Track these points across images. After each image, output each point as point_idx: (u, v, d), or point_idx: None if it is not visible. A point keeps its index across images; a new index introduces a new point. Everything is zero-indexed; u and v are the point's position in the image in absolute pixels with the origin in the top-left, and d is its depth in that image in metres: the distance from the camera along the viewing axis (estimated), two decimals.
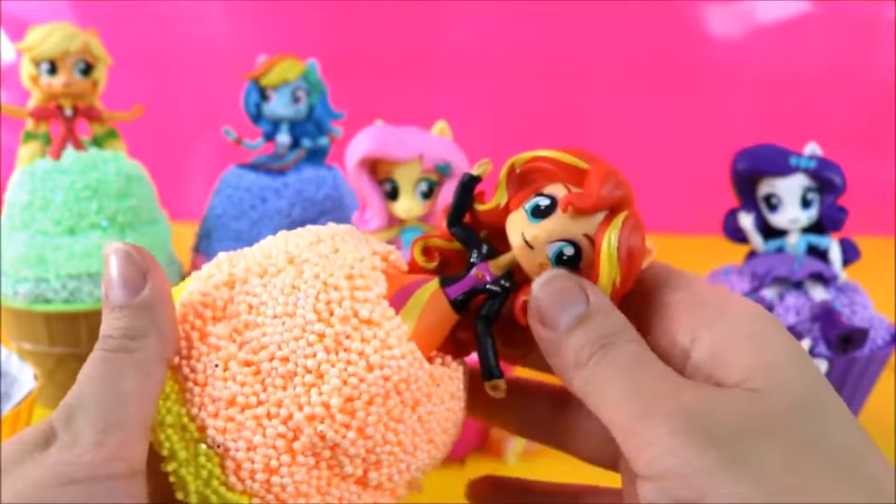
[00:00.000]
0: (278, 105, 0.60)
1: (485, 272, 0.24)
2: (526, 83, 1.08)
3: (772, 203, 0.50)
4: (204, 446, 0.23)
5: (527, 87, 1.08)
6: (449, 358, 0.26)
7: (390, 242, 0.47)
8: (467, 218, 0.26)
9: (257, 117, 0.61)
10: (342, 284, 0.23)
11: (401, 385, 0.23)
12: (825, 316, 0.47)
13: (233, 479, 0.23)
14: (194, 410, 0.23)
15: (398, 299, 0.24)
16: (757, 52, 1.06)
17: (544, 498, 0.29)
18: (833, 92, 1.05)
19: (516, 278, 0.24)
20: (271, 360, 0.23)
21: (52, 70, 0.57)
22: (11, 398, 0.42)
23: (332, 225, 0.26)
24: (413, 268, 0.26)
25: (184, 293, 0.25)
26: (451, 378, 0.25)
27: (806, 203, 0.49)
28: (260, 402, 0.23)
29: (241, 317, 0.23)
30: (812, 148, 0.49)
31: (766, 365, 0.20)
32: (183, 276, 0.59)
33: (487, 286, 0.24)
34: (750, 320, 0.21)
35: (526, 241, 0.23)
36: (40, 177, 0.52)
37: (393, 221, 0.46)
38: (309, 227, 0.26)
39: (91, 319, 0.51)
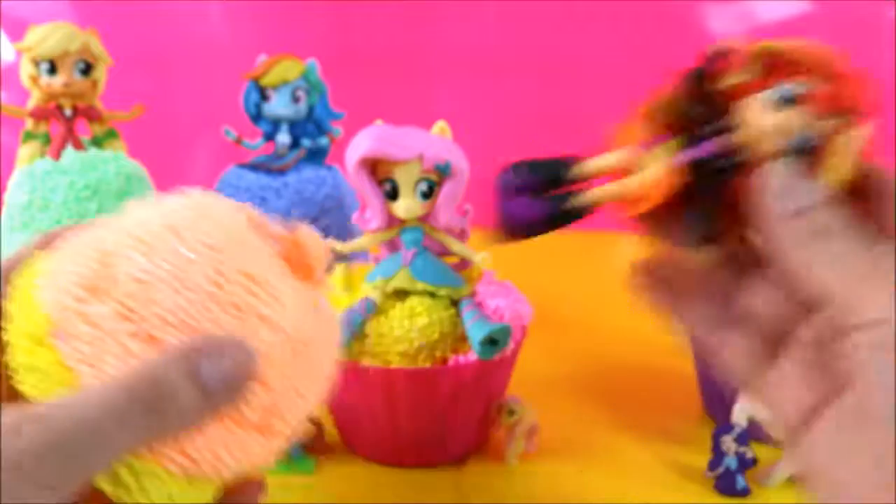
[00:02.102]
0: (278, 105, 0.60)
1: (720, 145, 0.25)
2: (526, 83, 1.08)
3: None
4: None
5: (527, 88, 1.08)
6: (324, 304, 0.27)
7: (390, 243, 0.47)
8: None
9: (257, 117, 0.61)
10: (225, 247, 0.24)
11: (294, 334, 0.24)
12: None
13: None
14: (87, 382, 0.22)
15: (644, 147, 0.25)
16: None
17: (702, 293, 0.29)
18: None
19: (744, 157, 0.25)
20: (168, 328, 0.23)
21: (52, 70, 0.57)
22: None
23: (191, 191, 0.26)
24: (632, 129, 0.27)
25: (43, 273, 0.24)
26: (330, 322, 0.27)
27: None
28: None
29: (128, 290, 0.23)
30: None
31: None
32: None
33: (720, 160, 0.25)
34: None
35: (775, 127, 0.24)
36: (40, 177, 0.52)
37: (393, 221, 0.46)
38: (171, 197, 0.26)
39: None
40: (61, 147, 0.57)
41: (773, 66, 0.25)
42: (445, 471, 0.47)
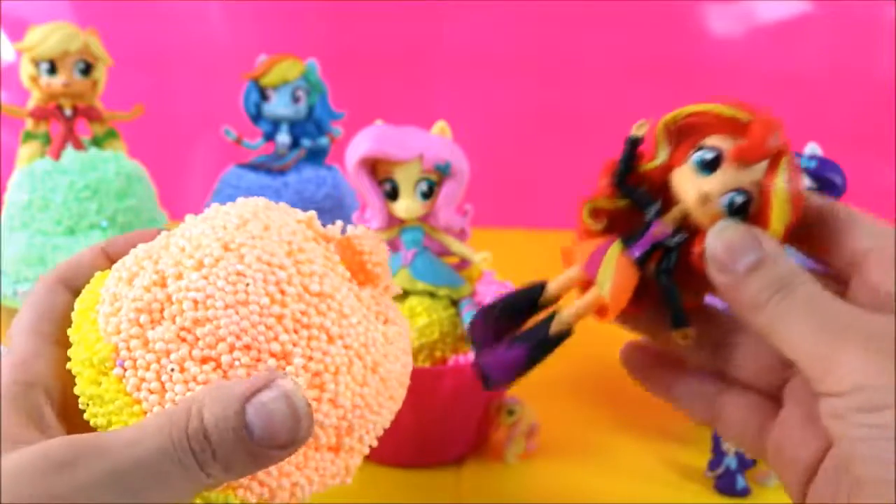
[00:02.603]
0: (278, 105, 0.60)
1: (661, 228, 0.26)
2: (526, 83, 1.08)
3: None
4: None
5: (527, 87, 1.08)
6: (393, 314, 0.26)
7: (390, 242, 0.47)
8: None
9: (257, 117, 0.61)
10: (286, 262, 0.23)
11: (361, 350, 0.24)
12: None
13: None
14: None
15: (591, 265, 0.26)
16: (757, 52, 1.06)
17: (694, 378, 0.29)
18: (833, 92, 1.05)
19: (687, 228, 0.26)
20: (231, 351, 0.22)
21: (52, 70, 0.57)
22: None
23: (243, 200, 0.26)
24: (583, 231, 0.28)
25: (103, 298, 0.24)
26: (400, 335, 0.26)
27: None
28: None
29: (187, 314, 0.22)
30: (812, 148, 0.49)
31: None
32: None
33: (665, 241, 0.26)
34: None
35: (701, 195, 0.24)
36: (40, 177, 0.52)
37: (393, 221, 0.46)
38: (222, 206, 0.26)
39: (19, 313, 0.51)
40: (61, 147, 0.57)
41: (684, 136, 0.27)
42: (445, 471, 0.47)
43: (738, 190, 0.24)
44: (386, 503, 0.44)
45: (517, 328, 0.28)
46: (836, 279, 0.25)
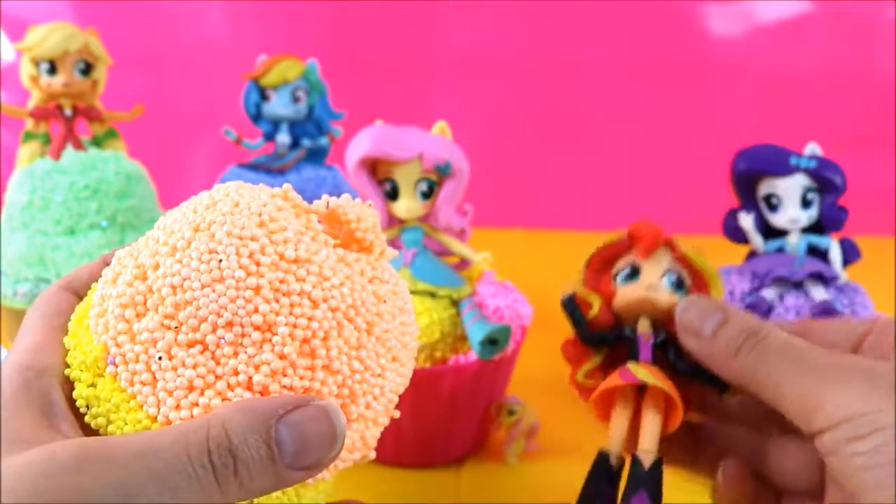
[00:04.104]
0: (278, 105, 0.60)
1: (645, 335, 0.30)
2: (526, 83, 1.08)
3: (772, 203, 0.50)
4: None
5: (527, 88, 1.08)
6: (388, 275, 0.26)
7: (391, 242, 0.47)
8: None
9: (257, 117, 0.61)
10: (257, 233, 0.23)
11: (350, 311, 0.23)
12: (825, 316, 0.47)
13: None
14: (152, 411, 0.22)
15: (627, 376, 0.29)
16: (757, 52, 1.06)
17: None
18: (833, 92, 1.05)
19: (661, 327, 0.30)
20: (214, 330, 0.22)
21: (52, 70, 0.57)
22: None
23: (219, 185, 0.26)
24: (587, 391, 0.32)
25: (93, 302, 0.24)
26: (394, 293, 0.25)
27: (806, 203, 0.49)
28: (218, 377, 0.22)
29: (167, 300, 0.22)
30: (812, 148, 0.49)
31: None
32: None
33: (656, 341, 0.30)
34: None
35: (648, 286, 0.30)
36: (40, 177, 0.52)
37: (393, 221, 0.46)
38: (197, 196, 0.26)
39: (27, 314, 0.51)
40: (61, 147, 0.57)
41: (599, 277, 0.32)
42: (445, 471, 0.47)
43: (669, 270, 0.30)
44: (386, 503, 0.44)
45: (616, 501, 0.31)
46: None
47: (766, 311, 0.48)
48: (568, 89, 1.08)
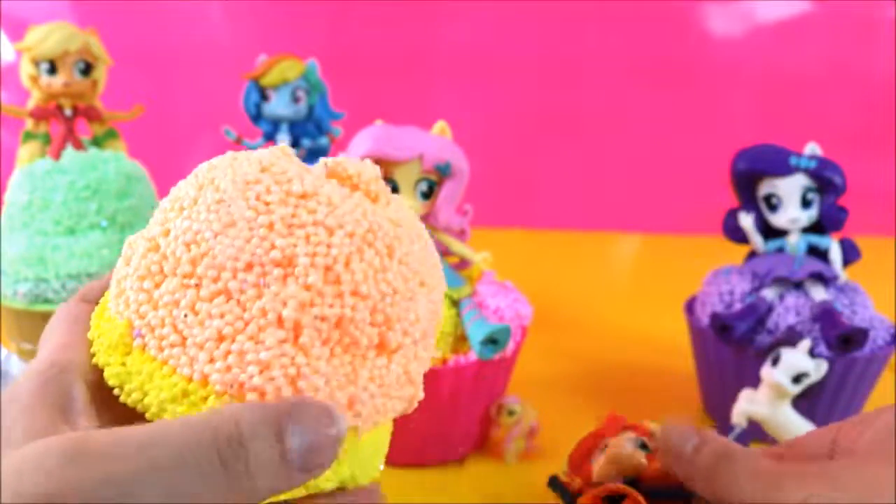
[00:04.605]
0: (278, 105, 0.60)
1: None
2: (526, 83, 1.08)
3: (772, 203, 0.50)
4: (219, 401, 0.21)
5: (527, 87, 1.08)
6: (396, 199, 0.25)
7: None
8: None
9: (257, 117, 0.61)
10: (261, 176, 0.23)
11: (368, 236, 0.22)
12: (825, 316, 0.47)
13: None
14: (186, 371, 0.21)
15: None
16: (757, 52, 1.06)
17: None
18: (833, 92, 1.05)
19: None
20: (235, 275, 0.21)
21: (52, 70, 0.57)
22: None
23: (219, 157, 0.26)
24: None
25: (111, 291, 0.24)
26: (409, 219, 0.25)
27: (806, 203, 0.49)
28: (247, 322, 0.21)
29: (183, 259, 0.22)
30: (812, 148, 0.49)
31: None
32: None
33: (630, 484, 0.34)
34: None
35: (616, 451, 0.34)
36: (40, 177, 0.52)
37: None
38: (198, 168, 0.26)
39: (48, 323, 0.51)
40: (61, 147, 0.57)
41: (577, 466, 0.37)
42: (445, 470, 0.47)
43: (631, 439, 0.35)
44: (386, 503, 0.44)
45: None
46: None
47: (766, 311, 0.48)
48: (568, 89, 1.08)
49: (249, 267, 0.21)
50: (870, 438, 0.25)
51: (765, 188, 0.50)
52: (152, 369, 0.22)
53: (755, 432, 0.44)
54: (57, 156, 0.55)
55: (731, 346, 0.48)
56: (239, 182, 0.23)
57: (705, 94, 1.07)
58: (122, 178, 0.54)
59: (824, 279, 0.49)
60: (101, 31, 0.60)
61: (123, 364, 0.22)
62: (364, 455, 0.24)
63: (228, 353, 0.21)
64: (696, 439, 0.28)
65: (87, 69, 0.58)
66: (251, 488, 0.19)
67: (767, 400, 0.44)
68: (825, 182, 0.48)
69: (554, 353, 0.64)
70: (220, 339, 0.21)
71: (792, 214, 0.49)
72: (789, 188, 0.49)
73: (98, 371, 0.23)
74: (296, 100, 0.60)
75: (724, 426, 0.46)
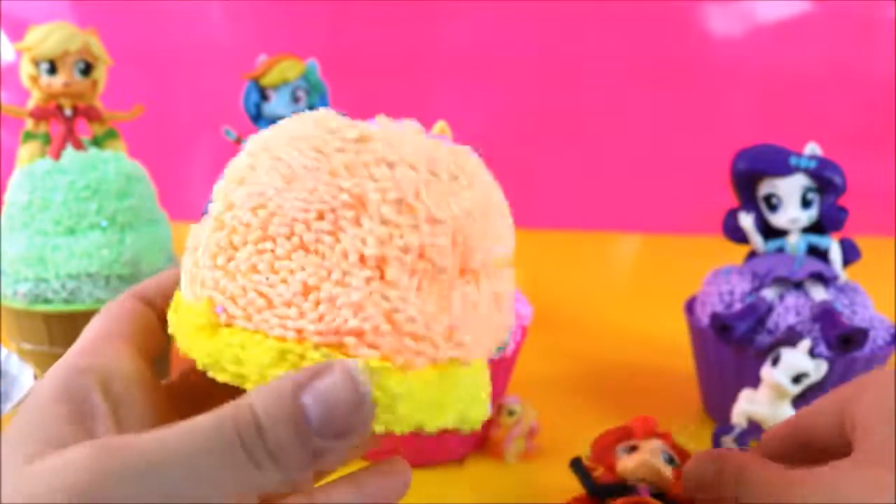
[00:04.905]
0: (278, 105, 0.60)
1: (643, 488, 0.36)
2: (526, 83, 1.08)
3: (772, 203, 0.50)
4: (317, 354, 0.21)
5: (527, 87, 1.08)
6: (461, 149, 0.25)
7: None
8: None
9: (257, 117, 0.61)
10: (315, 132, 0.23)
11: (431, 165, 0.22)
12: (825, 316, 0.47)
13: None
14: (279, 331, 0.21)
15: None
16: (757, 52, 1.06)
17: None
18: (833, 92, 1.05)
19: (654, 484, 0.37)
20: (309, 226, 0.21)
21: (52, 70, 0.57)
22: (11, 398, 0.42)
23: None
24: None
25: (182, 281, 0.24)
26: (474, 162, 0.24)
27: (806, 203, 0.49)
28: (329, 269, 0.21)
29: (253, 224, 0.22)
30: (812, 148, 0.49)
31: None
32: None
33: (656, 497, 0.36)
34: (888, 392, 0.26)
35: (650, 459, 0.37)
36: (40, 177, 0.52)
37: None
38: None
39: (91, 320, 0.51)
40: (61, 147, 0.57)
41: (607, 449, 0.39)
42: (445, 470, 0.47)
43: (662, 451, 0.37)
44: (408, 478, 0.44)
45: None
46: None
47: (766, 311, 0.48)
48: (568, 89, 1.08)
49: (321, 215, 0.21)
50: (871, 438, 0.25)
51: (765, 188, 0.50)
52: (243, 339, 0.21)
53: (755, 432, 0.44)
54: (57, 156, 0.55)
55: (731, 346, 0.48)
56: (294, 139, 0.23)
57: (705, 94, 1.07)
58: (122, 178, 0.54)
59: (824, 279, 0.49)
60: (101, 31, 0.60)
61: (213, 341, 0.22)
62: (466, 391, 0.24)
63: (318, 302, 0.21)
64: (716, 465, 0.28)
65: (87, 69, 0.58)
66: (282, 467, 0.19)
67: (767, 400, 0.44)
68: (825, 182, 0.48)
69: (554, 353, 0.64)
70: (307, 291, 0.21)
71: (792, 214, 0.49)
72: (789, 188, 0.49)
73: (122, 375, 0.23)
74: (296, 100, 0.60)
75: (724, 426, 0.46)
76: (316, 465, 0.20)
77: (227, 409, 0.19)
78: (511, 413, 0.47)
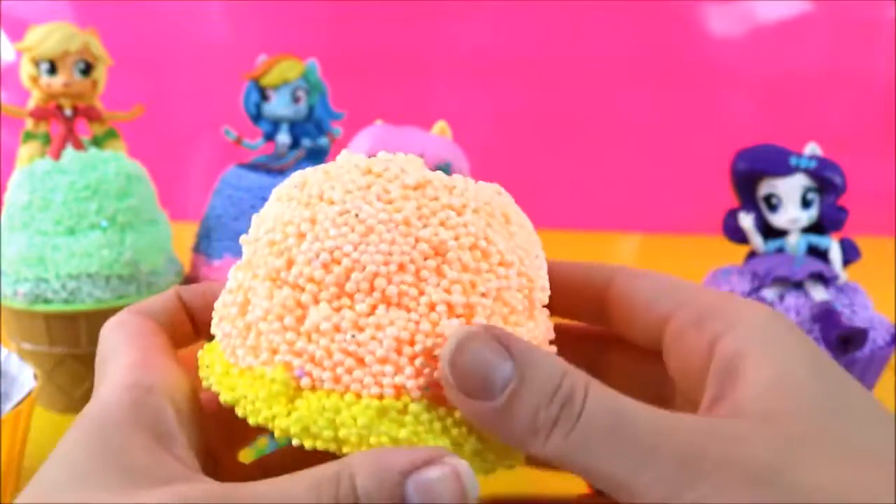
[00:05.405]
0: (278, 105, 0.60)
1: None
2: (526, 83, 1.08)
3: (772, 203, 0.50)
4: (419, 406, 0.20)
5: (527, 87, 1.08)
6: (494, 187, 0.25)
7: None
8: None
9: (257, 117, 0.61)
10: (370, 178, 0.22)
11: (487, 207, 0.23)
12: (825, 316, 0.47)
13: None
14: (375, 390, 0.20)
15: None
16: (757, 52, 1.06)
17: None
18: (833, 92, 1.05)
19: None
20: (390, 279, 0.21)
21: (52, 70, 0.57)
22: (11, 398, 0.42)
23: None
24: None
25: (227, 347, 0.23)
26: (511, 201, 0.25)
27: (806, 203, 0.49)
28: (417, 321, 0.21)
29: (327, 281, 0.21)
30: (812, 148, 0.49)
31: (782, 382, 0.20)
32: (183, 277, 0.59)
33: None
34: (765, 329, 0.21)
35: None
36: (40, 177, 0.52)
37: None
38: (273, 195, 0.25)
39: (91, 320, 0.51)
40: (61, 147, 0.57)
41: None
42: None
43: None
44: None
45: None
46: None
47: None
48: (568, 89, 1.08)
49: (402, 268, 0.21)
50: (745, 385, 0.20)
51: (765, 188, 0.50)
52: (335, 403, 0.20)
53: None
54: (57, 156, 0.55)
55: None
56: (353, 189, 0.22)
57: (706, 95, 1.07)
58: (122, 178, 0.54)
59: (824, 279, 0.49)
60: (101, 31, 0.60)
61: (293, 410, 0.21)
62: None
63: (414, 357, 0.21)
64: (507, 371, 0.19)
65: (87, 69, 0.58)
66: None
67: None
68: (825, 182, 0.48)
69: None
70: (400, 345, 0.21)
71: (792, 214, 0.49)
72: (789, 188, 0.49)
73: (182, 393, 0.22)
74: (296, 100, 0.60)
75: None
76: None
77: (327, 474, 0.18)
78: None
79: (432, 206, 0.22)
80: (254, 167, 0.61)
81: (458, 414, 0.21)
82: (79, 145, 0.58)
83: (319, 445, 0.21)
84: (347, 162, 0.24)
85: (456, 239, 0.22)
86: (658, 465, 0.18)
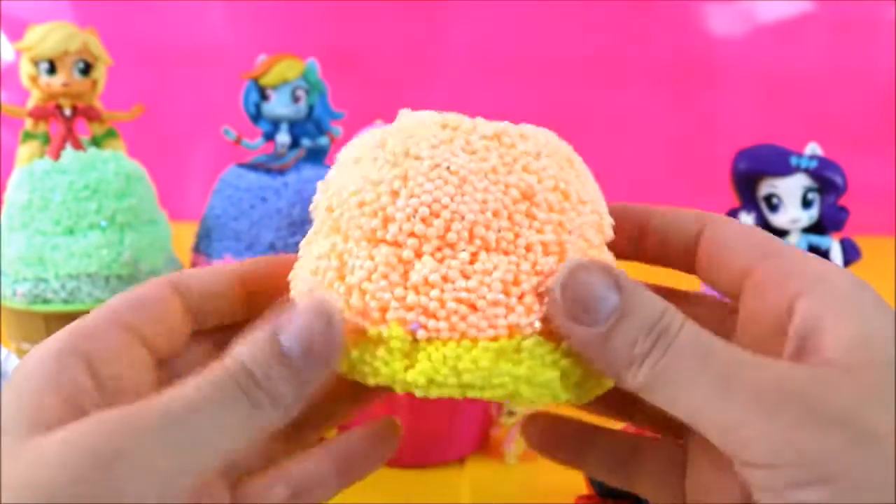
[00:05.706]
0: (278, 105, 0.60)
1: None
2: (526, 83, 1.08)
3: (772, 203, 0.50)
4: (531, 342, 0.21)
5: (527, 87, 1.08)
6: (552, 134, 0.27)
7: None
8: None
9: (257, 117, 0.61)
10: (450, 132, 0.24)
11: (556, 152, 0.24)
12: None
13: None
14: (490, 332, 0.21)
15: None
16: (757, 52, 1.06)
17: (604, 440, 0.28)
18: (833, 92, 1.05)
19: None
20: (488, 226, 0.22)
21: (52, 70, 0.57)
22: None
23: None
24: None
25: (333, 304, 0.22)
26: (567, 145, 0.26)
27: (807, 203, 0.49)
28: (518, 263, 0.22)
29: (429, 233, 0.22)
30: (812, 148, 0.49)
31: (864, 339, 0.20)
32: None
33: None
34: (848, 291, 0.21)
35: None
36: (39, 177, 0.52)
37: None
38: (344, 151, 0.26)
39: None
40: (61, 147, 0.57)
41: None
42: (446, 471, 0.47)
43: None
44: (386, 503, 0.44)
45: None
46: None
47: None
48: (567, 88, 1.08)
49: (497, 214, 0.22)
50: (828, 340, 0.20)
51: (765, 188, 0.50)
52: (454, 350, 0.21)
53: None
54: (56, 156, 0.55)
55: None
56: (437, 143, 0.23)
57: (706, 94, 1.07)
58: (122, 178, 0.54)
59: None
60: (101, 31, 0.60)
61: (415, 364, 0.22)
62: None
63: (523, 295, 0.21)
64: (614, 301, 0.20)
65: (86, 69, 0.58)
66: (278, 402, 0.20)
67: None
68: (826, 182, 0.48)
69: None
70: (507, 288, 0.21)
71: (792, 214, 0.49)
72: (790, 188, 0.49)
73: (112, 362, 0.22)
74: (296, 100, 0.60)
75: None
76: (308, 390, 0.20)
77: (217, 366, 0.20)
78: (511, 413, 0.47)
79: (512, 153, 0.23)
80: (253, 167, 0.61)
81: (564, 346, 0.22)
82: (78, 145, 0.58)
83: (445, 393, 0.22)
84: (416, 118, 0.25)
85: (539, 182, 0.23)
86: (737, 395, 0.19)
